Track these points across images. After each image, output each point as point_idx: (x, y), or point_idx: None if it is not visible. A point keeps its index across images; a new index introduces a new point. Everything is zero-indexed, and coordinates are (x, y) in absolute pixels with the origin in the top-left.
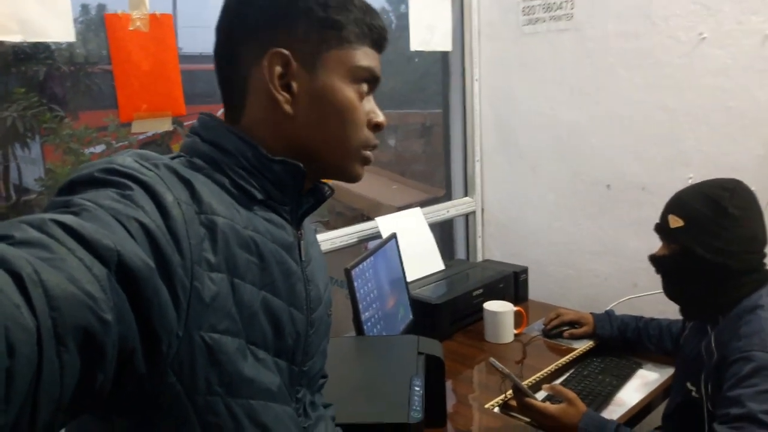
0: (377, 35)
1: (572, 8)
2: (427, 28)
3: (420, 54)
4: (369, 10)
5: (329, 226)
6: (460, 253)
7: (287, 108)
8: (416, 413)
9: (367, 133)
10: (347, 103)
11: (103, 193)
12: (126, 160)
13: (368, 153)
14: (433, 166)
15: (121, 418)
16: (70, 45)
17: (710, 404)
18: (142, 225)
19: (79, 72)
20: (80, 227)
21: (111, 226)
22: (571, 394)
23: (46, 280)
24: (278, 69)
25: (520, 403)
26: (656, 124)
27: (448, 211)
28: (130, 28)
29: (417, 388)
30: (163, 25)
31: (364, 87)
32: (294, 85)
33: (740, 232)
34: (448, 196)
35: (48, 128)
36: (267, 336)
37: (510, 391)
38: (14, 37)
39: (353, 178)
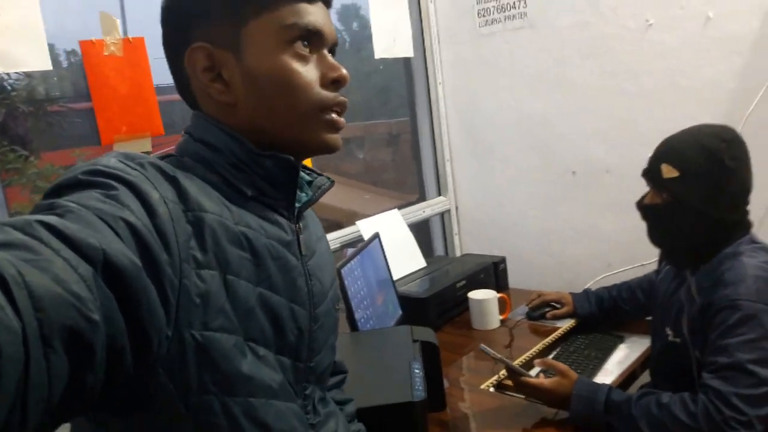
0: None
1: (525, 7)
2: (389, 35)
3: (383, 63)
4: None
5: None
6: (439, 251)
7: (224, 98)
8: (419, 392)
9: (322, 93)
10: (281, 70)
11: (87, 194)
12: (110, 161)
13: (331, 116)
14: (403, 173)
15: (115, 419)
16: (27, 84)
17: (698, 351)
18: (128, 224)
19: (38, 111)
20: (64, 227)
21: (96, 226)
22: (563, 366)
23: (31, 281)
24: (202, 63)
25: (516, 383)
26: (615, 109)
27: (424, 212)
28: (105, 53)
29: (417, 371)
30: (136, 49)
31: (301, 46)
32: (224, 73)
33: (735, 184)
34: (422, 198)
35: (12, 169)
36: (266, 332)
37: (503, 371)
38: None
39: (324, 148)
